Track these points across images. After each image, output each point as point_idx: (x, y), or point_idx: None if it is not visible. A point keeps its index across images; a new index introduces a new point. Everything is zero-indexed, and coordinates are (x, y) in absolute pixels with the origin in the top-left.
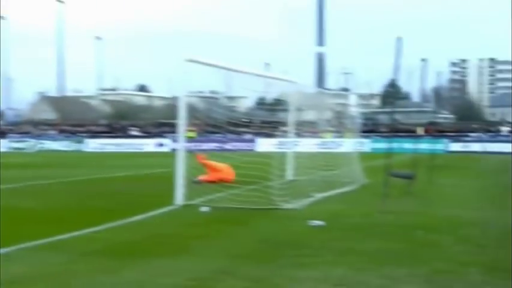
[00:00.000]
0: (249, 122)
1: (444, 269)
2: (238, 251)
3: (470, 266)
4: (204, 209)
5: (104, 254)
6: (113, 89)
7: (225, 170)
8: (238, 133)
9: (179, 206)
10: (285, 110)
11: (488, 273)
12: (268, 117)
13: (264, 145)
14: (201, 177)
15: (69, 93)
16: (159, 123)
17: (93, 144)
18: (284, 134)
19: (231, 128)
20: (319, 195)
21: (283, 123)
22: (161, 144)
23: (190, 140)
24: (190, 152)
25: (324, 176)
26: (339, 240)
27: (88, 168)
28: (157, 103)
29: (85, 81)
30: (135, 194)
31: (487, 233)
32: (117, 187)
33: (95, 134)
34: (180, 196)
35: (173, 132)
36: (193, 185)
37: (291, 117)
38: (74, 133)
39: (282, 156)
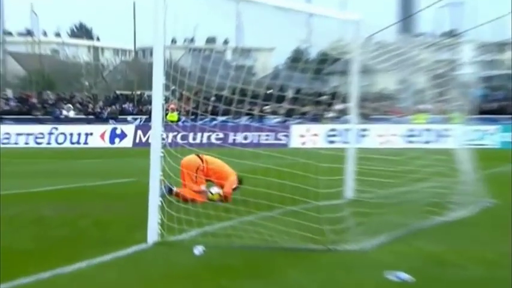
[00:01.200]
0: (277, 95)
1: None
2: None
3: None
4: (197, 250)
5: None
6: (29, 33)
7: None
8: (258, 115)
9: (154, 244)
10: (342, 74)
11: None
12: (312, 87)
13: (304, 136)
14: (182, 191)
15: None
16: (115, 96)
17: None
18: (340, 117)
19: (244, 106)
20: (401, 227)
21: (339, 97)
22: (118, 135)
23: (170, 126)
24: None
25: (411, 193)
26: None
27: None
28: (111, 60)
29: None
30: (75, 223)
31: None
32: (43, 211)
33: None
34: (154, 227)
35: (140, 112)
36: (178, 208)
37: (354, 85)
38: None
39: (336, 156)
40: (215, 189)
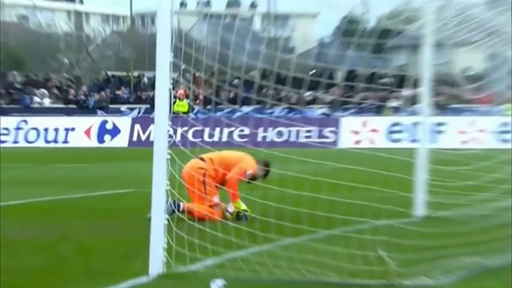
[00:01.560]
0: (323, 78)
1: None
2: None
3: None
4: (215, 284)
5: None
6: None
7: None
8: (296, 104)
9: (158, 276)
10: (410, 49)
11: None
12: (369, 67)
13: (359, 133)
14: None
15: None
16: (104, 78)
17: None
18: (407, 107)
19: (278, 93)
20: (493, 257)
21: (406, 81)
22: (110, 130)
23: (179, 118)
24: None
25: (506, 210)
26: None
27: None
28: (99, 30)
29: None
30: (53, 249)
31: None
32: (10, 233)
33: None
34: (159, 254)
35: (138, 100)
36: (190, 229)
37: (426, 64)
38: None
39: (401, 159)
40: (233, 208)
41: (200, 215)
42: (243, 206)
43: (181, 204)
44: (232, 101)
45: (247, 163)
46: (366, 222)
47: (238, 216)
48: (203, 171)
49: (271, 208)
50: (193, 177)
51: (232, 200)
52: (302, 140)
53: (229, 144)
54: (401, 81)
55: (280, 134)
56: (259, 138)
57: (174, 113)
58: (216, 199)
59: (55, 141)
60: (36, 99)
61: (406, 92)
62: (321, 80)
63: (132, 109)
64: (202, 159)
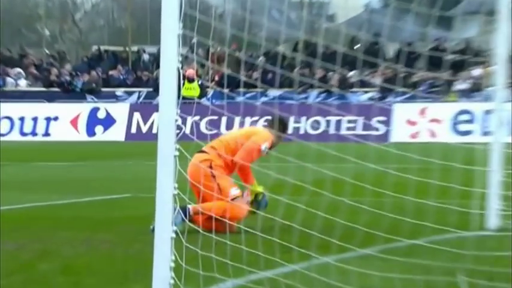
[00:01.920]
0: (370, 54)
1: None
2: None
3: None
4: None
5: None
6: None
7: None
8: (337, 87)
9: None
10: (483, 18)
11: None
12: (430, 40)
13: (416, 123)
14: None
15: None
16: (95, 54)
17: None
18: (478, 90)
19: (314, 72)
20: None
21: (476, 57)
22: (102, 120)
23: (189, 104)
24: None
25: None
26: None
27: None
28: None
29: None
30: (33, 268)
31: None
32: None
33: None
34: (164, 275)
35: (137, 82)
36: (205, 242)
37: (501, 37)
38: None
39: (471, 157)
40: (249, 197)
41: (219, 214)
42: (260, 189)
43: (189, 207)
44: (256, 82)
45: (259, 136)
46: (426, 236)
47: (256, 203)
48: (208, 163)
49: (319, 217)
50: (201, 172)
51: (248, 183)
52: (344, 131)
53: None
54: (471, 57)
55: (316, 124)
56: (289, 130)
57: (183, 97)
58: (234, 191)
59: (33, 133)
60: (10, 80)
61: (477, 71)
62: (369, 57)
63: (130, 93)
64: (203, 151)
